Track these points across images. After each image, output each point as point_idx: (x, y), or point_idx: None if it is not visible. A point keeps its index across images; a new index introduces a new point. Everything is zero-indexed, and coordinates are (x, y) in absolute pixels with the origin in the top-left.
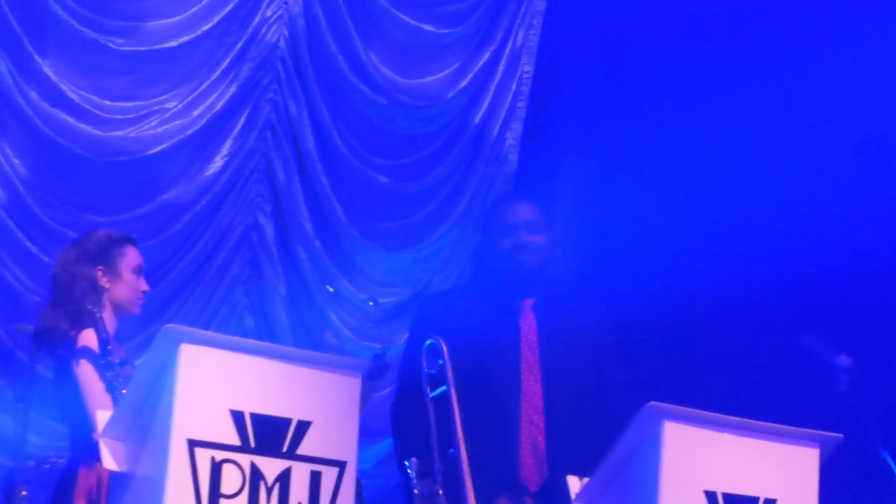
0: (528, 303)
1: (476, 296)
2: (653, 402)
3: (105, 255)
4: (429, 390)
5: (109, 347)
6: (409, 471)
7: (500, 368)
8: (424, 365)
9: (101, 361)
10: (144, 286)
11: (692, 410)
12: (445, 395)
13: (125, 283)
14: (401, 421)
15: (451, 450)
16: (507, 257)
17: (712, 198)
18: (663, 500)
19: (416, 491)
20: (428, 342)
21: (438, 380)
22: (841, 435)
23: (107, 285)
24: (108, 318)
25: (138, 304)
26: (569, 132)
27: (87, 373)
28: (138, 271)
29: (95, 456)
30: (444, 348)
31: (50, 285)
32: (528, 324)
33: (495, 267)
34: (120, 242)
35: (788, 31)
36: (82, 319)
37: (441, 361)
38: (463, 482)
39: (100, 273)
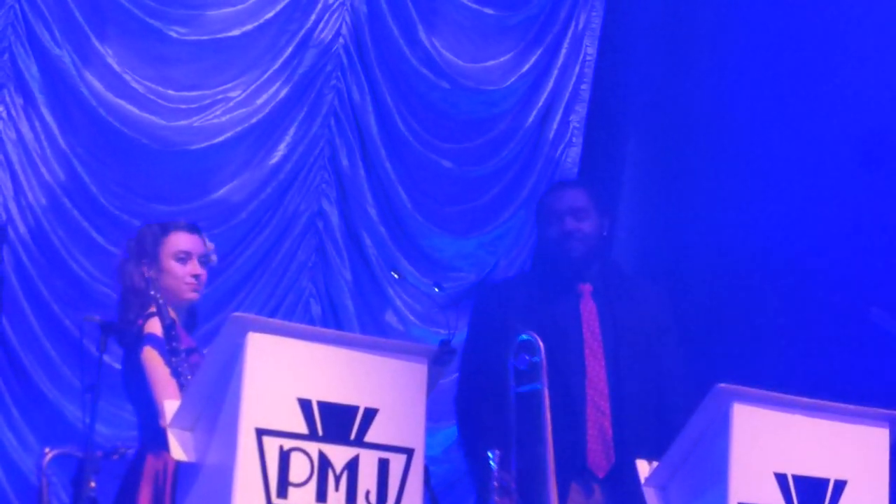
0: (587, 288)
1: (535, 283)
2: (722, 384)
3: (145, 249)
4: (515, 385)
5: (174, 333)
6: (491, 462)
7: (563, 354)
8: (513, 359)
9: (167, 347)
10: (195, 270)
11: (761, 392)
12: (534, 392)
13: (167, 272)
14: (469, 413)
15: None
16: (554, 245)
17: (775, 178)
18: (733, 482)
19: (495, 483)
20: (523, 337)
21: (528, 376)
22: None
23: (153, 277)
24: (172, 310)
25: (190, 290)
26: (633, 115)
27: (152, 359)
28: (183, 257)
29: (162, 443)
30: (541, 345)
31: (116, 277)
32: (589, 309)
33: (547, 254)
34: (159, 232)
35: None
36: (147, 307)
37: (536, 359)
38: (547, 480)
39: (145, 269)
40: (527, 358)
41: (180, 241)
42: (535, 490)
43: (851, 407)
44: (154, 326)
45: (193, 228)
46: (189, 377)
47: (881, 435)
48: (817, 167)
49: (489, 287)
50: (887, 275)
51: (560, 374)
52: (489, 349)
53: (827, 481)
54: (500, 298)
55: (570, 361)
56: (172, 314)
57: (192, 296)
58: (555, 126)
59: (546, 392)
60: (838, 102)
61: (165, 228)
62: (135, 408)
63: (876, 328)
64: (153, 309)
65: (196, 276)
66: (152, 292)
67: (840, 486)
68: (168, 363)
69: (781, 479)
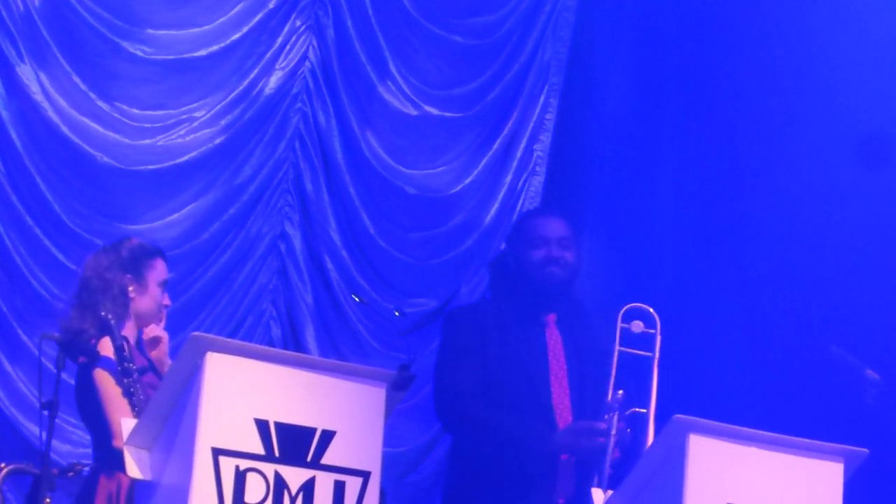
0: (552, 318)
1: (501, 309)
2: (678, 415)
3: (136, 264)
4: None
5: (126, 353)
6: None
7: (529, 382)
8: (622, 321)
9: (118, 368)
10: (167, 301)
11: (717, 423)
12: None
13: (150, 295)
14: (478, 411)
15: None
16: (536, 269)
17: (738, 213)
18: None
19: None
20: (631, 306)
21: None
22: (867, 450)
23: (132, 295)
24: (130, 328)
25: (160, 318)
26: (598, 145)
27: (103, 380)
28: (164, 285)
29: (115, 464)
30: (657, 319)
31: (76, 290)
32: (555, 339)
33: (522, 278)
34: (151, 254)
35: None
36: (102, 327)
37: (652, 331)
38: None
39: (128, 282)
40: (641, 326)
41: (165, 269)
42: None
43: (807, 441)
44: (106, 347)
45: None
46: (142, 397)
47: (836, 469)
48: (779, 200)
49: (459, 310)
50: (845, 311)
51: (526, 400)
52: (465, 368)
53: None
54: (471, 321)
55: (536, 389)
56: (130, 333)
57: (161, 324)
58: (519, 154)
59: (656, 362)
60: (815, 142)
61: (157, 252)
62: (88, 428)
63: (834, 365)
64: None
65: (166, 307)
66: (102, 312)
67: None
68: (119, 383)
69: None
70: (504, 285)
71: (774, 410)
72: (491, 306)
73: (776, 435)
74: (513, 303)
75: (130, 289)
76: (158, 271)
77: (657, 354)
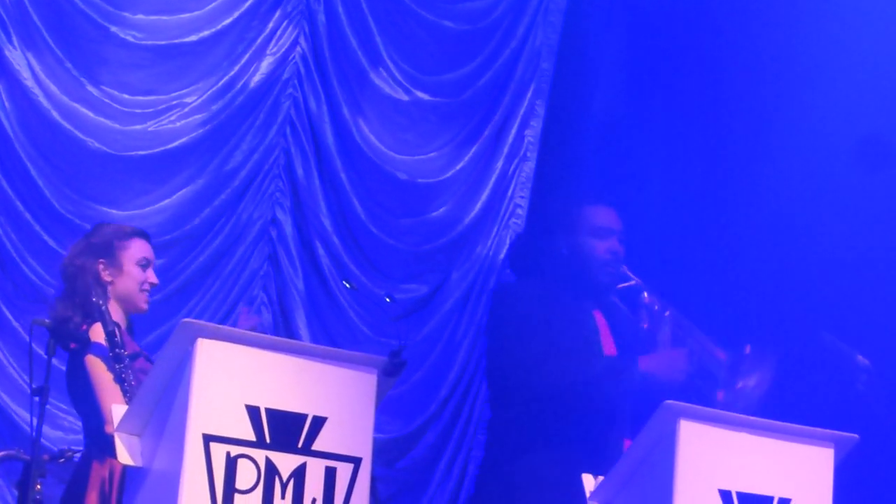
0: (597, 313)
1: (549, 292)
2: (669, 401)
3: (107, 248)
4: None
5: (117, 339)
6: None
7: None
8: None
9: (109, 354)
10: (152, 279)
11: (708, 409)
12: None
13: (127, 275)
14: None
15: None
16: (600, 262)
17: (735, 200)
18: (678, 498)
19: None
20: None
21: None
22: (856, 435)
23: (108, 278)
24: (115, 311)
25: (144, 298)
26: (589, 132)
27: (95, 366)
28: (144, 264)
29: (107, 450)
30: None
31: (60, 278)
32: (602, 324)
33: (580, 267)
34: (124, 235)
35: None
36: (91, 312)
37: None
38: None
39: (101, 266)
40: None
41: (144, 247)
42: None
43: (797, 426)
44: (97, 333)
45: (149, 238)
46: (133, 383)
47: (826, 455)
48: (776, 190)
49: (512, 287)
50: (836, 298)
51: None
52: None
53: (771, 499)
54: (529, 297)
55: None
56: (118, 318)
57: (145, 305)
58: (510, 140)
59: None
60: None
61: (129, 232)
62: (79, 415)
63: (825, 352)
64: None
65: (152, 285)
66: (94, 298)
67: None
68: (111, 369)
69: (726, 495)
70: (557, 272)
71: (765, 396)
72: (537, 289)
73: (767, 420)
74: (563, 289)
75: (105, 273)
76: (133, 251)
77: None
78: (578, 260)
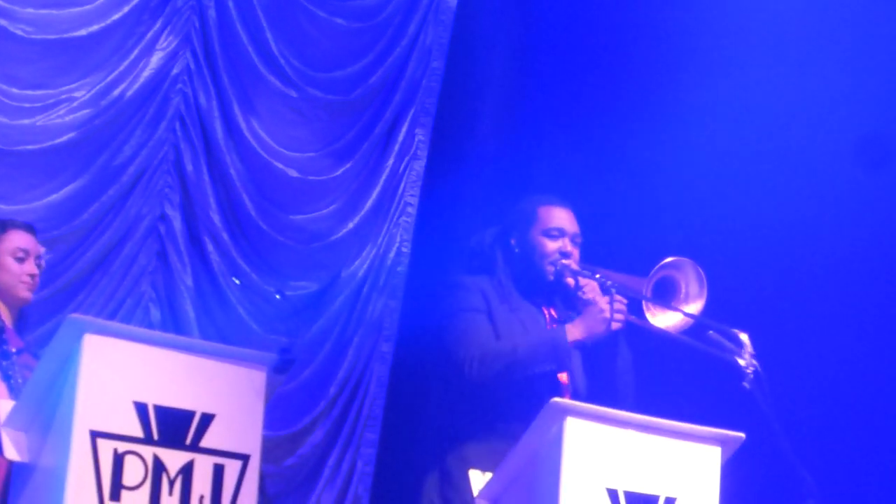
0: (551, 310)
1: (503, 287)
2: (554, 399)
3: None
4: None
5: (3, 335)
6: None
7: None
8: None
9: None
10: (31, 269)
11: (595, 407)
12: None
13: (3, 269)
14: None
15: None
16: (548, 262)
17: (638, 187)
18: (565, 496)
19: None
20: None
21: None
22: (743, 434)
23: None
24: (1, 308)
25: (25, 289)
26: (478, 131)
27: None
28: (21, 256)
29: None
30: None
31: None
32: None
33: (527, 265)
34: None
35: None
36: None
37: None
38: None
39: None
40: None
41: (20, 239)
42: None
43: (685, 426)
44: None
45: (30, 228)
46: (20, 379)
47: (713, 454)
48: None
49: (466, 279)
50: (722, 293)
51: (535, 384)
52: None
53: (657, 498)
54: (480, 290)
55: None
56: (3, 313)
57: (27, 295)
58: (400, 138)
59: None
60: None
61: (3, 225)
62: None
63: (711, 348)
64: None
65: (32, 276)
66: None
67: (670, 503)
68: None
69: (613, 494)
70: (509, 269)
71: (652, 395)
72: (490, 283)
73: (654, 419)
74: (515, 285)
75: None
76: (7, 244)
77: None
78: (527, 258)
